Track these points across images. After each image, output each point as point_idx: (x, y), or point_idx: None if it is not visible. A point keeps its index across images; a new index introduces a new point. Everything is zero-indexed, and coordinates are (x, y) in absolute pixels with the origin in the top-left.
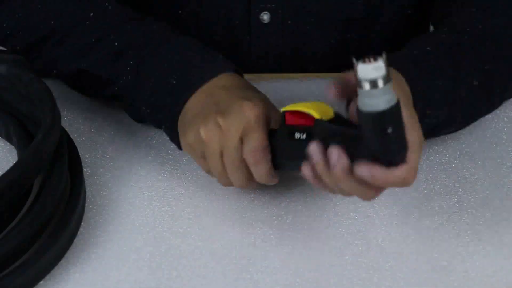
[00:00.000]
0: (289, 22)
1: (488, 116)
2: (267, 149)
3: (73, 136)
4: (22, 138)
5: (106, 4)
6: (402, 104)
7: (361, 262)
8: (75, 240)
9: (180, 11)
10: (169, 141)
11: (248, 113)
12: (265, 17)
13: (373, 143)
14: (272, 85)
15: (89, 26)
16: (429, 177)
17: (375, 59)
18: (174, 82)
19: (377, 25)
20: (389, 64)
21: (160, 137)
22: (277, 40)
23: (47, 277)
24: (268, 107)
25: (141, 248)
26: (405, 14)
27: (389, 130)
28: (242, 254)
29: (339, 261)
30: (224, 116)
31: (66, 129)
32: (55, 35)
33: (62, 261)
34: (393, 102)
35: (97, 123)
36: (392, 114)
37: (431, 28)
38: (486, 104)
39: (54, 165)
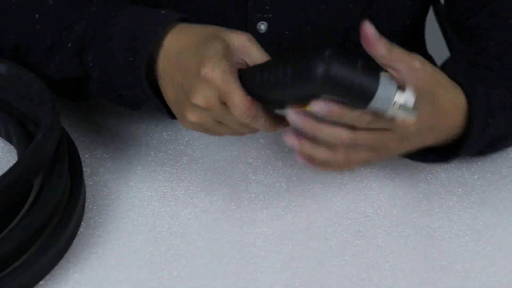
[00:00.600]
0: (286, 32)
1: None
2: (251, 103)
3: (73, 136)
4: (22, 138)
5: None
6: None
7: (361, 262)
8: (75, 240)
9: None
10: (169, 141)
11: (212, 83)
12: (262, 27)
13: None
14: None
15: (40, 31)
16: (429, 177)
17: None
18: (130, 59)
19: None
20: (448, 71)
21: (160, 137)
22: (274, 50)
23: (47, 277)
24: (227, 54)
25: (141, 248)
26: (403, 23)
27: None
28: (242, 254)
29: (339, 261)
30: (196, 97)
31: (66, 129)
32: (20, 48)
33: (62, 261)
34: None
35: (97, 123)
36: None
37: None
38: None
39: (54, 165)
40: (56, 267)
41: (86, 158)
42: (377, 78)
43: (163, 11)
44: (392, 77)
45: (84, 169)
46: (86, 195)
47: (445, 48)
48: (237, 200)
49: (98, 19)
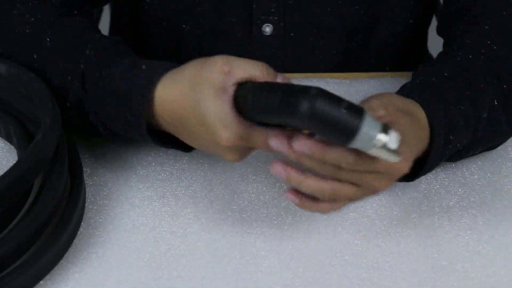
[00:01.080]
0: (291, 34)
1: None
2: (274, 138)
3: (73, 135)
4: (22, 138)
5: (48, 40)
6: (399, 124)
7: (361, 262)
8: (75, 240)
9: (183, 25)
10: None
11: (233, 146)
12: (267, 29)
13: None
14: None
15: (39, 70)
16: (429, 177)
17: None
18: (129, 119)
19: (379, 35)
20: (408, 94)
21: None
22: (278, 52)
23: (47, 277)
24: (219, 93)
25: (141, 248)
26: (407, 24)
27: (344, 110)
28: (242, 254)
29: (339, 261)
30: (228, 158)
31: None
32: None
33: (62, 261)
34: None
35: None
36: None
37: (429, 35)
38: (506, 123)
39: (54, 165)
40: (56, 267)
41: (86, 158)
42: (360, 117)
43: (144, 67)
44: (377, 118)
45: (84, 169)
46: (86, 195)
47: None
48: (237, 200)
49: (87, 76)
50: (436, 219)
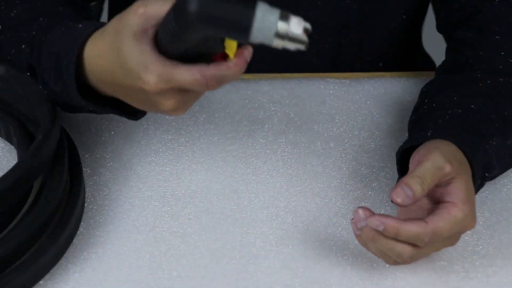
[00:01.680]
0: None
1: None
2: (200, 71)
3: (73, 136)
4: (22, 139)
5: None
6: (461, 181)
7: (361, 262)
8: (75, 240)
9: None
10: (169, 141)
11: (159, 89)
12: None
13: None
14: (272, 85)
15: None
16: None
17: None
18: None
19: (372, 30)
20: (444, 135)
21: (160, 137)
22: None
23: (47, 277)
24: (139, 37)
25: (141, 248)
26: (400, 19)
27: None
28: (242, 254)
29: (339, 261)
30: (162, 107)
31: (66, 129)
32: None
33: (62, 261)
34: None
35: (97, 123)
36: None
37: (424, 31)
38: None
39: (54, 165)
40: (56, 267)
41: (86, 158)
42: (253, 8)
43: (80, 25)
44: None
45: (84, 169)
46: (86, 195)
47: (444, 46)
48: (237, 200)
49: (34, 43)
50: None
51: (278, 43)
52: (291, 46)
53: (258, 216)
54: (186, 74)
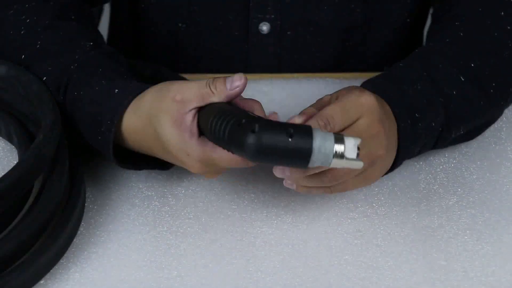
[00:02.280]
0: (288, 32)
1: None
2: (234, 158)
3: None
4: (22, 138)
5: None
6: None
7: (361, 262)
8: (75, 239)
9: (179, 23)
10: None
11: (199, 169)
12: (264, 27)
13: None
14: (272, 85)
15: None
16: (428, 177)
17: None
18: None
19: (376, 33)
20: (372, 89)
21: None
22: (275, 50)
23: (47, 276)
24: (177, 123)
25: (141, 248)
26: (403, 22)
27: (290, 140)
28: (242, 254)
29: (338, 261)
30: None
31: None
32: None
33: (63, 261)
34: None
35: None
36: (300, 159)
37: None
38: (484, 99)
39: (55, 165)
40: (56, 267)
41: (86, 158)
42: (310, 137)
43: (117, 90)
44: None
45: (84, 169)
46: (87, 195)
47: None
48: (237, 200)
49: (69, 90)
50: (435, 219)
51: (337, 164)
52: (348, 165)
53: (258, 216)
54: (225, 157)
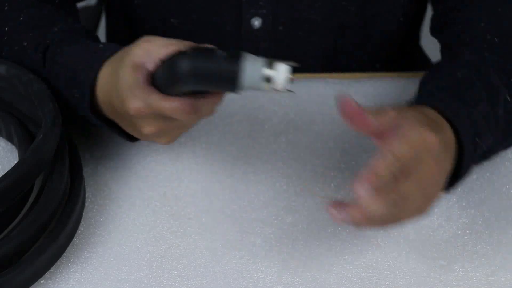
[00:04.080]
0: (280, 28)
1: None
2: (181, 102)
3: (73, 135)
4: (23, 138)
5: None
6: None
7: (361, 262)
8: (76, 239)
9: (171, 19)
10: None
11: (142, 114)
12: (256, 22)
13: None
14: None
15: (6, 43)
16: None
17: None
18: (76, 95)
19: (370, 31)
20: (429, 104)
21: None
22: (267, 46)
23: (48, 276)
24: (135, 73)
25: (141, 248)
26: (398, 21)
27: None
28: (242, 254)
29: (338, 261)
30: (143, 130)
31: (67, 129)
32: None
33: (63, 260)
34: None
35: None
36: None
37: (422, 35)
38: None
39: (55, 165)
40: (57, 266)
41: (86, 158)
42: (239, 59)
43: (101, 45)
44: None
45: (84, 168)
46: (87, 194)
47: None
48: (237, 200)
49: (49, 51)
50: (435, 219)
51: (268, 88)
52: (280, 87)
53: (258, 216)
54: (166, 102)
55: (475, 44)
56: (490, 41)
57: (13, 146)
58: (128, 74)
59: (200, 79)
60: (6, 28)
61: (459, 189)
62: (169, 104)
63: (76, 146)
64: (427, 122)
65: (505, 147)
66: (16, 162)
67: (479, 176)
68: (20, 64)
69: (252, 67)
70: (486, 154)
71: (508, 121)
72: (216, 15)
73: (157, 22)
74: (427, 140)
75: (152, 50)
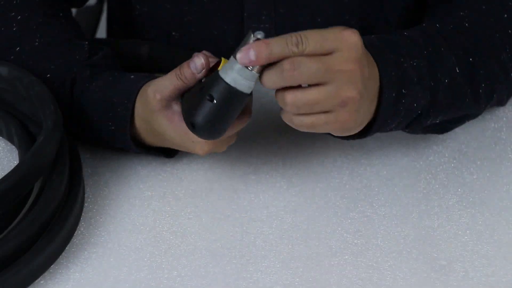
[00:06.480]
0: None
1: (487, 116)
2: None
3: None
4: (23, 139)
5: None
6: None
7: (361, 262)
8: (75, 239)
9: (173, 33)
10: None
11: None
12: (259, 36)
13: (196, 100)
14: None
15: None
16: (428, 177)
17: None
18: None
19: None
20: (368, 47)
21: None
22: None
23: (47, 277)
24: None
25: (141, 248)
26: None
27: (215, 101)
28: (242, 254)
29: (338, 261)
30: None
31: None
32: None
33: (63, 261)
34: (245, 90)
35: None
36: (232, 95)
37: None
38: (470, 96)
39: (55, 166)
40: (57, 266)
41: (86, 158)
42: (221, 79)
43: (132, 76)
44: None
45: (84, 169)
46: (86, 195)
47: None
48: (237, 200)
49: (75, 87)
50: (435, 219)
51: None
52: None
53: (258, 216)
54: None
55: (444, 22)
56: (461, 24)
57: (14, 147)
58: (170, 130)
59: (217, 122)
60: (22, 54)
61: (459, 189)
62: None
63: (76, 146)
64: (348, 27)
65: (448, 120)
66: (16, 162)
67: (479, 177)
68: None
69: (233, 72)
70: (420, 117)
71: (453, 91)
72: (218, 29)
73: (157, 35)
74: (345, 33)
75: (165, 95)
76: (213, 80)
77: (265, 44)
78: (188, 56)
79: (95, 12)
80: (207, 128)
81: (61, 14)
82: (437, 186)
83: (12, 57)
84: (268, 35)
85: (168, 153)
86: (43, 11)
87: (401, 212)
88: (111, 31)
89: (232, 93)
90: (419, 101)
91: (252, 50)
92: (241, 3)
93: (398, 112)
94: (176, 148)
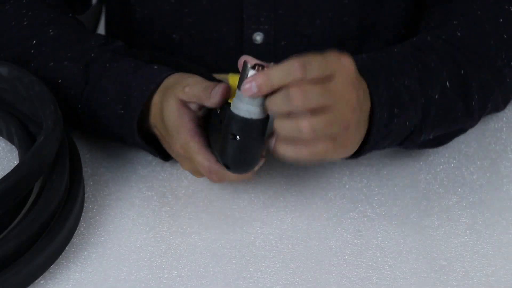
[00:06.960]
0: (282, 43)
1: (487, 116)
2: (211, 168)
3: (73, 136)
4: (23, 139)
5: (50, 31)
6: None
7: (361, 262)
8: (75, 239)
9: (173, 35)
10: None
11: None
12: (258, 37)
13: (221, 142)
14: None
15: (34, 56)
16: (428, 177)
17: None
18: (121, 111)
19: (371, 44)
20: (359, 68)
21: None
22: (269, 61)
23: (47, 277)
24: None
25: (141, 248)
26: (398, 34)
27: (238, 138)
28: (242, 254)
29: (338, 261)
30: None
31: (67, 130)
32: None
33: (63, 260)
34: (261, 115)
35: None
36: (251, 126)
37: None
38: (463, 110)
39: (55, 166)
40: (57, 266)
41: (86, 158)
42: (237, 115)
43: (155, 67)
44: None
45: (84, 169)
46: (86, 195)
47: None
48: (237, 200)
49: (92, 68)
50: (435, 219)
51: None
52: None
53: (258, 216)
54: (200, 158)
55: (435, 33)
56: (453, 34)
57: (14, 147)
58: (174, 110)
59: (247, 154)
60: (34, 42)
61: (459, 189)
62: (201, 160)
63: (76, 146)
64: (342, 53)
65: (439, 131)
66: (16, 162)
67: (479, 177)
68: (53, 80)
69: (244, 103)
70: (412, 134)
71: (445, 106)
72: (218, 31)
73: (157, 37)
74: (342, 59)
75: (192, 93)
76: (229, 118)
77: (265, 76)
78: (188, 65)
79: (95, 12)
80: (241, 165)
81: (70, 14)
82: (437, 186)
83: (32, 51)
84: (267, 35)
85: (165, 156)
86: (54, 10)
87: (401, 212)
88: (110, 34)
89: (251, 124)
90: (411, 120)
91: (254, 83)
92: (240, 5)
93: (390, 132)
94: (163, 133)
